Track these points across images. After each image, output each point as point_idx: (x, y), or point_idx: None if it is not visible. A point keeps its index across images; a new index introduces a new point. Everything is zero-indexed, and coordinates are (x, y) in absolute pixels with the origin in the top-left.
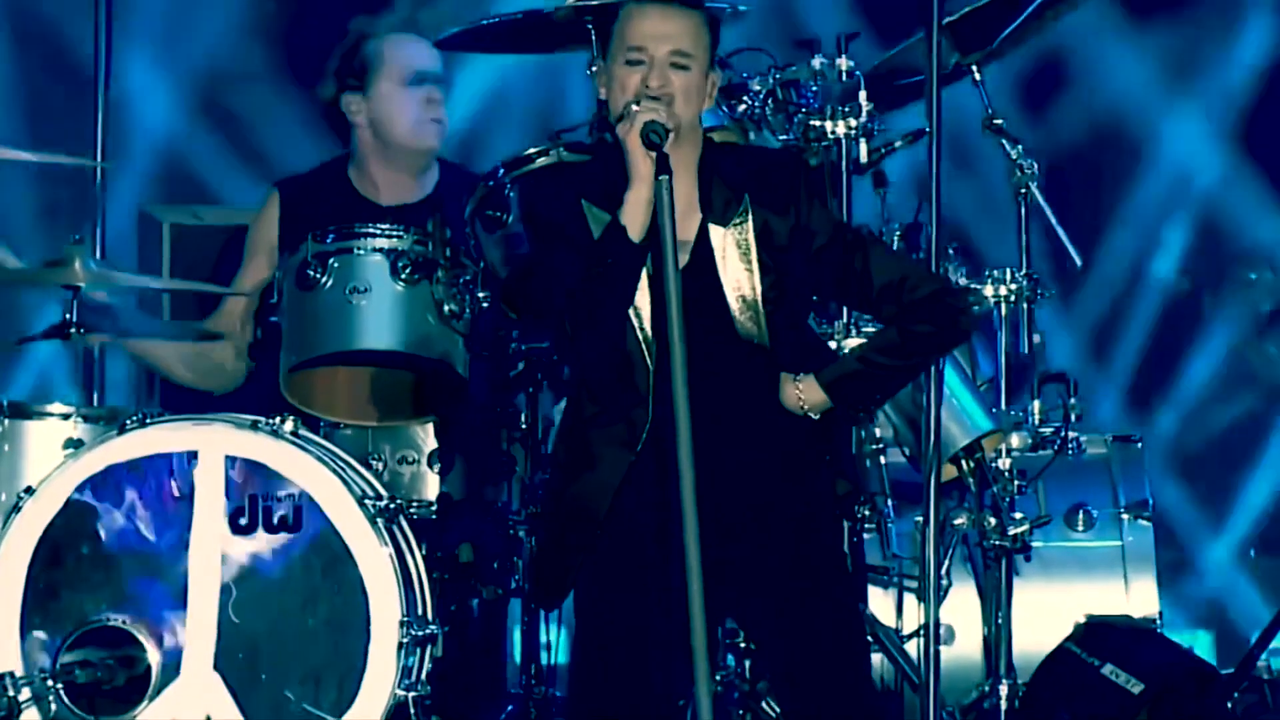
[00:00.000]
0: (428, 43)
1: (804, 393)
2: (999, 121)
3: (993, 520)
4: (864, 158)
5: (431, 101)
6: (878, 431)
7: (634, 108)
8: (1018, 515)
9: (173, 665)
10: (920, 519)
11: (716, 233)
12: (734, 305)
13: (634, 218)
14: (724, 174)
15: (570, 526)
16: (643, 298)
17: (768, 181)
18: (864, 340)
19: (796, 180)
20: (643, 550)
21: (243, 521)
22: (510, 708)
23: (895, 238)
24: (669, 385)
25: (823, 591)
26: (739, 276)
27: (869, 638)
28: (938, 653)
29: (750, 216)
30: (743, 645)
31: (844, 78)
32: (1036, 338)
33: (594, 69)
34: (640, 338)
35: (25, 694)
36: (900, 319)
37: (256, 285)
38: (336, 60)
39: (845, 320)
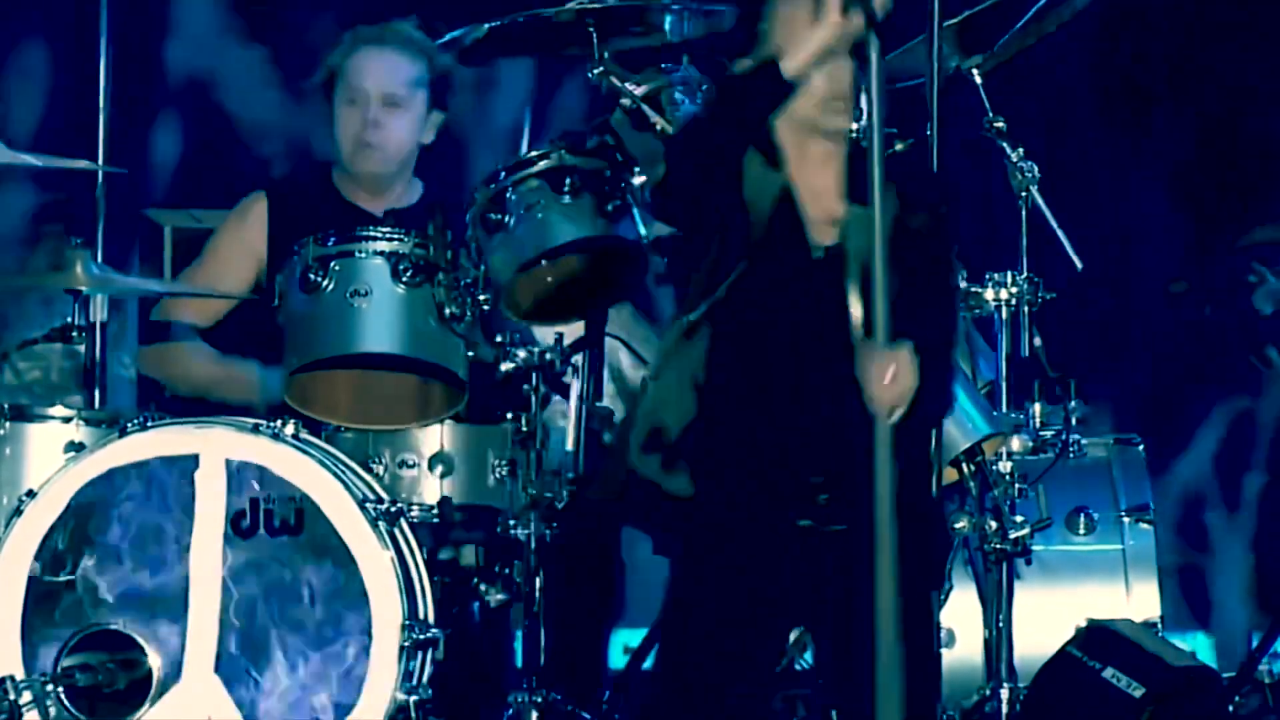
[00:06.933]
0: (402, 58)
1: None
2: (1000, 125)
3: (993, 523)
4: None
5: (369, 123)
6: None
7: None
8: (1018, 518)
9: (174, 669)
10: None
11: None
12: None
13: (802, 53)
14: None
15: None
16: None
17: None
18: None
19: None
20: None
21: (244, 524)
22: (511, 711)
23: None
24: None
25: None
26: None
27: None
28: (939, 656)
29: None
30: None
31: None
32: (1037, 341)
33: (595, 72)
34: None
35: (26, 698)
36: None
37: (235, 287)
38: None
39: None
